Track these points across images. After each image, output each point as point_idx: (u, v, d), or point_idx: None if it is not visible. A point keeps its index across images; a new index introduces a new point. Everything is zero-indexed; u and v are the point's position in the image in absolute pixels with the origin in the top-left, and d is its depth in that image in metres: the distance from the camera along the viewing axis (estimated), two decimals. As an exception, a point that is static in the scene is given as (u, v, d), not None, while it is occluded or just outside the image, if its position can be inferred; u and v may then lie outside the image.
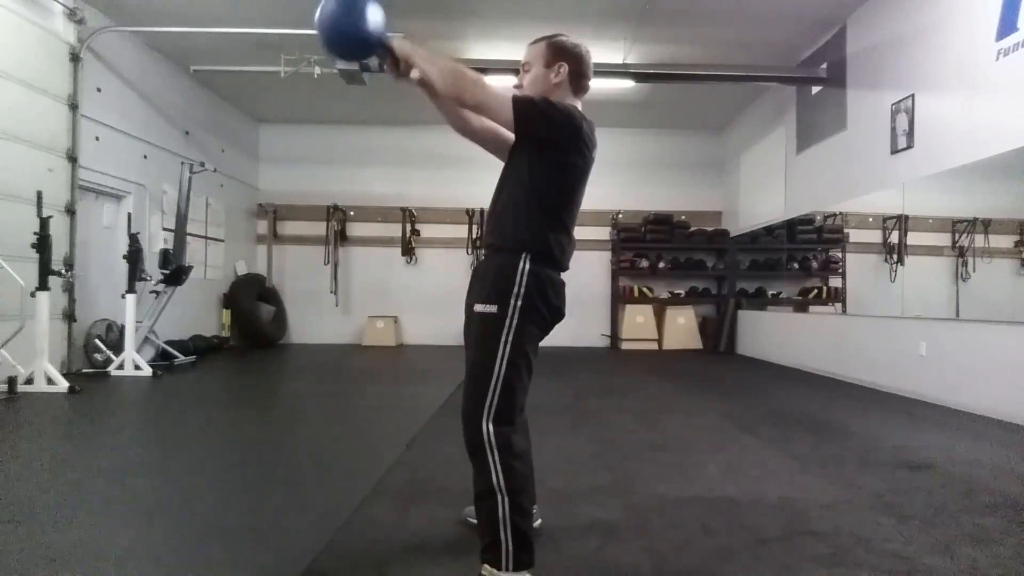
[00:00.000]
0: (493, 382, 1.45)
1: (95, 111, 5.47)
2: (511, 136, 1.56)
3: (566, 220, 1.57)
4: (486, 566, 1.43)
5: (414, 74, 1.49)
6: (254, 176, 8.90)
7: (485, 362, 1.47)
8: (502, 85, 1.49)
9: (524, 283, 1.48)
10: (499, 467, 1.43)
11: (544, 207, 1.52)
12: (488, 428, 1.44)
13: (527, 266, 1.49)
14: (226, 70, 6.46)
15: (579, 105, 1.64)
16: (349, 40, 1.54)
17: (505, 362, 1.46)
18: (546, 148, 1.51)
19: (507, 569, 1.40)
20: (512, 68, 6.16)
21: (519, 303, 1.47)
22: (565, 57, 1.62)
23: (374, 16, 1.50)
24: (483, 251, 1.64)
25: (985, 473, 2.51)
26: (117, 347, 5.31)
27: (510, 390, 1.47)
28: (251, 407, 4.19)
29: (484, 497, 1.44)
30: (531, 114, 1.46)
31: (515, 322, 1.47)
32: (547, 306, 1.52)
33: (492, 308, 1.48)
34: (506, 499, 1.41)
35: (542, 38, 1.65)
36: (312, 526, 1.85)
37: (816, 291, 6.58)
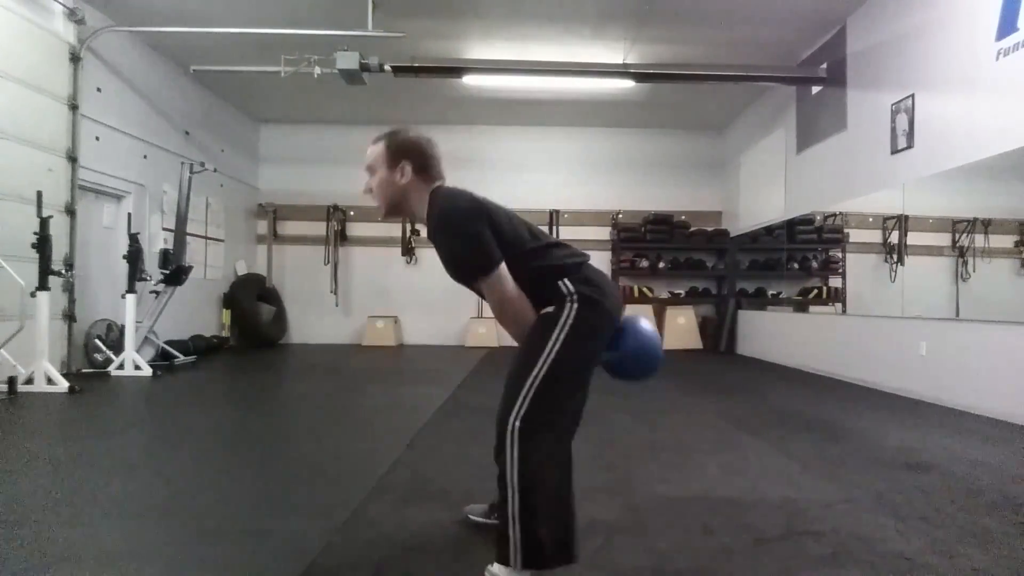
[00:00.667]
0: (530, 382, 1.44)
1: (95, 111, 5.47)
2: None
3: (529, 244, 1.54)
4: (496, 562, 1.43)
5: None
6: (254, 176, 8.90)
7: (527, 360, 1.46)
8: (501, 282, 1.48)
9: (576, 294, 1.49)
10: (515, 462, 1.40)
11: (526, 264, 1.50)
12: (514, 425, 1.41)
13: (573, 308, 1.49)
14: (226, 70, 6.46)
15: (444, 182, 1.63)
16: (646, 372, 1.68)
17: (549, 363, 1.44)
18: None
19: (515, 567, 1.40)
20: (512, 68, 6.17)
21: (576, 304, 1.48)
22: (404, 155, 1.59)
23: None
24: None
25: (985, 473, 2.51)
26: (117, 347, 5.31)
27: (549, 393, 1.44)
28: (251, 407, 4.19)
29: (502, 489, 1.43)
30: (480, 270, 1.47)
31: (571, 319, 1.47)
32: (603, 297, 1.52)
33: (549, 308, 1.49)
34: (516, 497, 1.39)
35: (380, 137, 1.63)
36: (312, 526, 1.84)
37: (816, 291, 6.58)
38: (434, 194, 1.58)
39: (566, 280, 1.50)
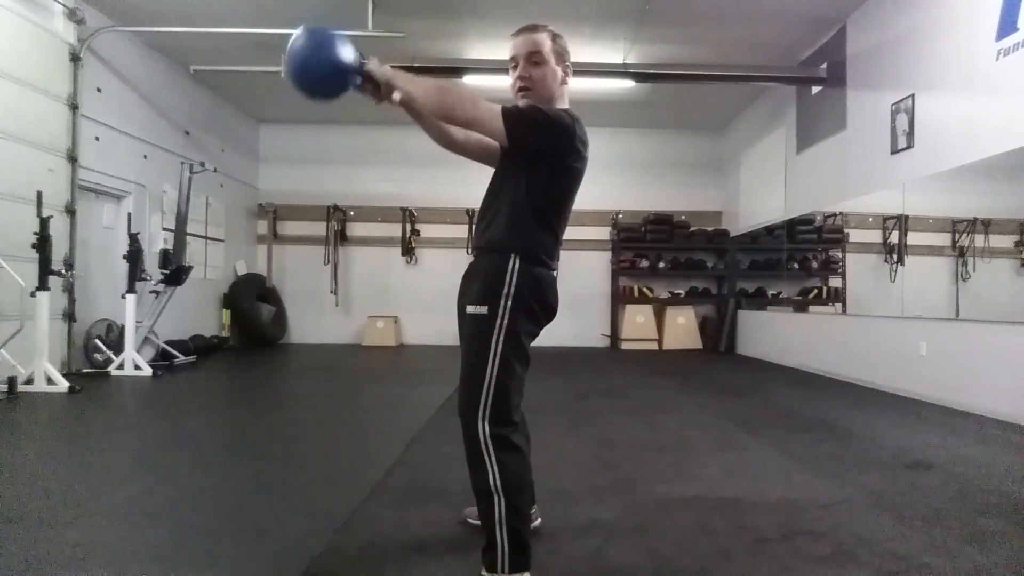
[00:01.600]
0: (487, 382, 1.44)
1: (95, 111, 5.47)
2: (498, 144, 1.55)
3: (554, 222, 1.56)
4: (484, 570, 1.43)
5: (395, 96, 1.45)
6: (254, 176, 8.90)
7: (478, 362, 1.46)
8: (491, 99, 1.45)
9: (514, 282, 1.47)
10: (495, 468, 1.42)
11: (534, 208, 1.51)
12: (484, 429, 1.43)
13: (516, 265, 1.48)
14: (226, 70, 6.47)
15: (567, 102, 1.63)
16: (326, 77, 1.49)
17: (498, 362, 1.45)
18: (541, 157, 1.50)
19: (503, 572, 1.40)
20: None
21: (509, 303, 1.47)
22: (568, 57, 1.62)
23: (344, 46, 1.47)
24: (473, 253, 1.62)
25: (985, 473, 2.51)
26: (117, 347, 5.31)
27: (504, 390, 1.45)
28: (251, 407, 4.19)
29: (482, 498, 1.44)
30: (523, 127, 1.44)
31: (506, 321, 1.46)
32: (539, 303, 1.52)
33: (483, 309, 1.47)
34: (502, 500, 1.40)
35: (540, 28, 1.58)
36: (312, 526, 1.85)
37: (816, 291, 6.57)
38: (568, 109, 1.58)
39: (519, 258, 1.49)
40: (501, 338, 1.45)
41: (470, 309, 1.49)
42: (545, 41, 1.57)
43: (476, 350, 1.47)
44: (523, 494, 1.47)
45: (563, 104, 1.62)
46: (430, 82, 1.46)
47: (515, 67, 1.58)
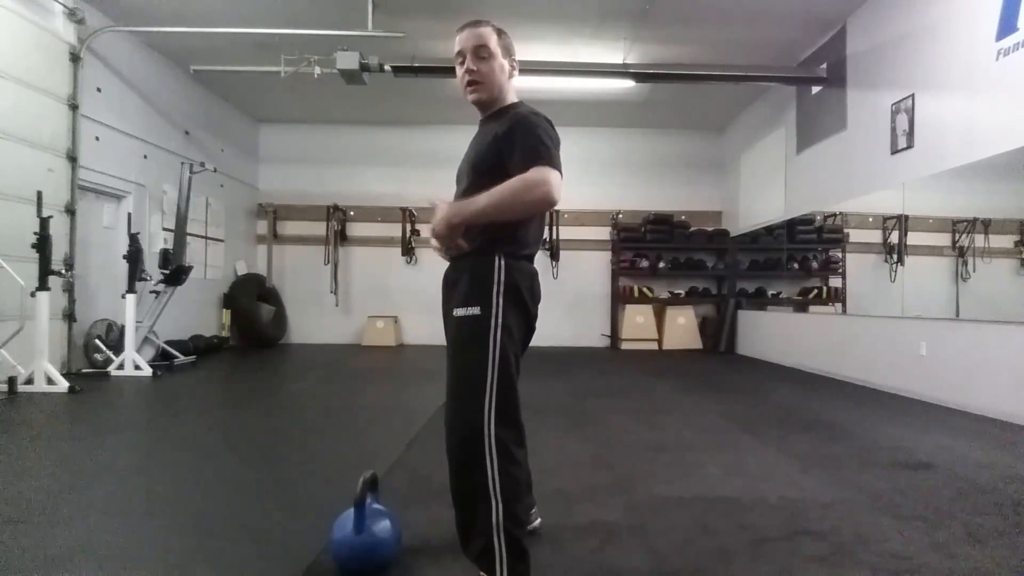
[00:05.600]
0: (489, 383, 1.42)
1: (95, 111, 5.47)
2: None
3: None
4: (482, 574, 1.41)
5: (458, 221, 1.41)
6: (254, 176, 8.90)
7: (477, 365, 1.43)
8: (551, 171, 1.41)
9: (503, 279, 1.46)
10: (496, 473, 1.38)
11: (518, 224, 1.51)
12: (491, 431, 1.40)
13: (502, 262, 1.47)
14: (226, 70, 6.46)
15: (515, 95, 1.63)
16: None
17: (498, 361, 1.43)
18: None
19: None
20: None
21: (501, 299, 1.45)
22: (514, 52, 1.62)
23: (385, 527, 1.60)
24: (447, 256, 1.58)
25: (985, 473, 2.51)
26: (117, 347, 5.31)
27: (509, 388, 1.45)
28: (251, 407, 4.19)
29: (467, 502, 1.42)
30: (558, 166, 1.43)
31: (500, 319, 1.44)
32: (530, 295, 1.52)
33: (475, 309, 1.45)
34: (500, 506, 1.37)
35: (484, 23, 1.57)
36: (312, 526, 1.84)
37: (816, 291, 6.57)
38: (521, 104, 1.58)
39: (504, 255, 1.48)
40: (499, 336, 1.44)
41: (460, 312, 1.47)
42: (491, 35, 1.56)
43: (473, 353, 1.44)
44: (520, 502, 1.44)
45: (512, 98, 1.61)
46: (482, 200, 1.39)
47: (462, 62, 1.56)
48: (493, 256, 1.47)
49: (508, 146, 1.45)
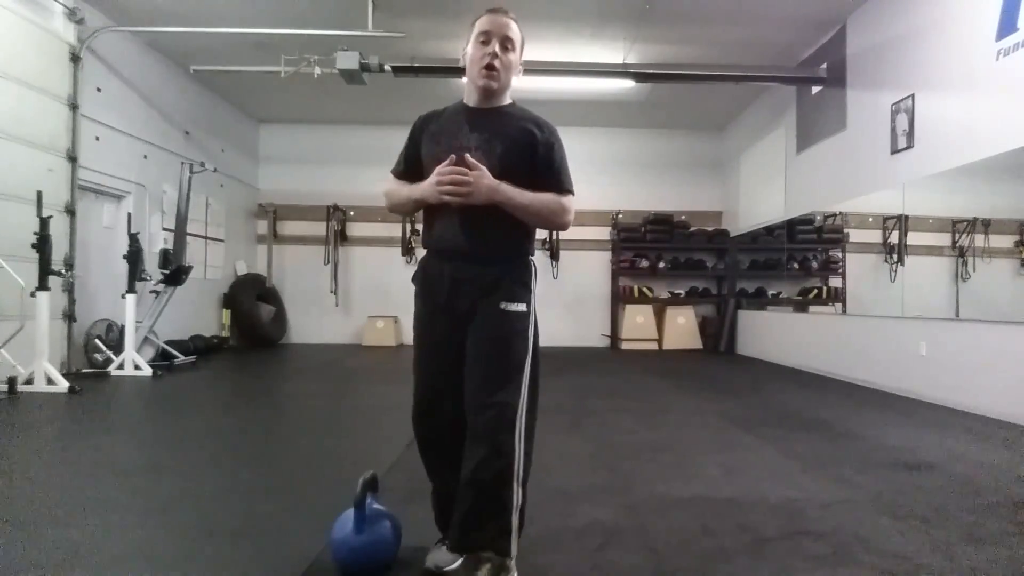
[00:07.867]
0: (525, 377, 1.49)
1: (95, 111, 5.47)
2: None
3: None
4: (496, 555, 1.40)
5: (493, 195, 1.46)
6: (254, 176, 8.90)
7: (516, 359, 1.49)
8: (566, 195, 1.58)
9: (536, 280, 1.59)
10: (522, 455, 1.46)
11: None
12: (522, 422, 1.47)
13: (533, 265, 1.60)
14: (226, 70, 6.46)
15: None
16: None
17: (532, 357, 1.52)
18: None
19: (513, 556, 1.43)
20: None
21: (534, 299, 1.57)
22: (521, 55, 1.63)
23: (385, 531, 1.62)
24: (456, 261, 1.53)
25: (985, 473, 2.51)
26: (117, 347, 5.31)
27: (537, 383, 1.55)
28: (251, 407, 4.19)
29: (485, 488, 1.42)
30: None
31: (536, 317, 1.56)
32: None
33: (521, 306, 1.52)
34: (520, 488, 1.46)
35: (512, 16, 1.55)
36: (312, 526, 1.84)
37: (816, 291, 6.58)
38: (517, 104, 1.63)
39: (533, 261, 1.63)
40: (536, 333, 1.55)
41: (511, 307, 1.51)
42: (518, 32, 1.56)
43: (516, 346, 1.50)
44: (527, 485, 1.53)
45: (507, 99, 1.61)
46: (525, 198, 1.50)
47: (484, 42, 1.51)
48: (527, 258, 1.60)
49: (548, 158, 1.54)
